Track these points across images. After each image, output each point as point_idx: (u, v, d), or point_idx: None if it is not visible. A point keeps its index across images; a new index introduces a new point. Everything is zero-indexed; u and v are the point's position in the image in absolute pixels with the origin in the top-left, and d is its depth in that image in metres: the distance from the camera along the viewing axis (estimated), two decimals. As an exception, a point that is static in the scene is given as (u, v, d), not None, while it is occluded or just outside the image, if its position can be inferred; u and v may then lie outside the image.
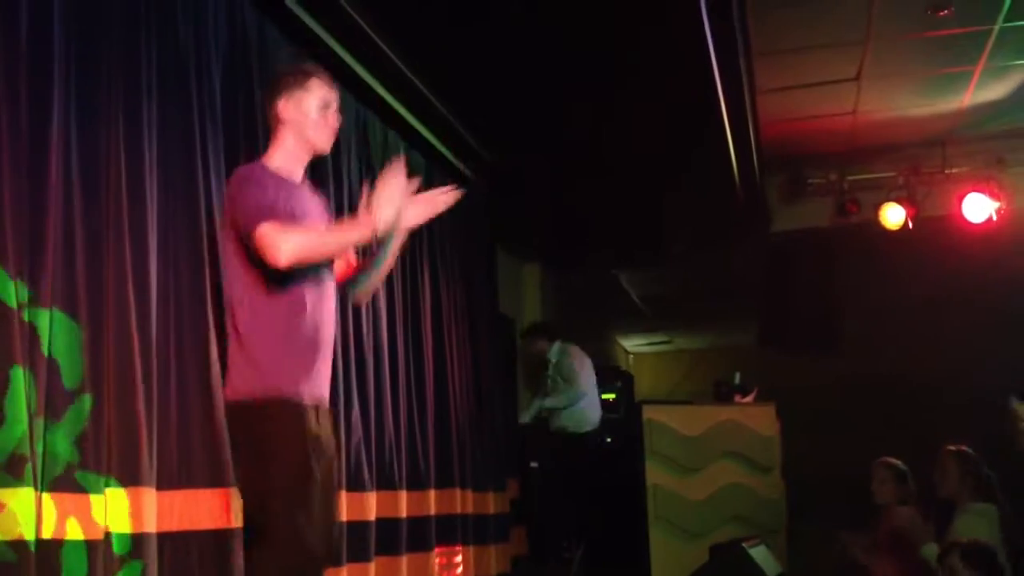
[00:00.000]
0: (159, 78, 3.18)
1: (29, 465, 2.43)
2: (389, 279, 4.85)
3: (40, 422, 2.55)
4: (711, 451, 7.23)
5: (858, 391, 9.83)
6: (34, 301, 2.58)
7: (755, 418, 7.42)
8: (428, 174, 5.35)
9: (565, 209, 6.96)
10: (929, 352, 9.45)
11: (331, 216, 3.20)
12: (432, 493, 5.11)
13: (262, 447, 2.76)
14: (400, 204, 2.78)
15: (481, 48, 4.66)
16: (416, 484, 4.92)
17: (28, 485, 2.42)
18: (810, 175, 7.62)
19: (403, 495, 4.73)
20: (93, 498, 2.67)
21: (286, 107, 2.97)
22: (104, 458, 2.75)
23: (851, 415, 9.77)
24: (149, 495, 2.86)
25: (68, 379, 2.67)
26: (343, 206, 4.38)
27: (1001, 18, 5.54)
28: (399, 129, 5.15)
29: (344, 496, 4.01)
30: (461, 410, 5.68)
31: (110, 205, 2.90)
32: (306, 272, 2.86)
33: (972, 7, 5.43)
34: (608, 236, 7.65)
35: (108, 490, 2.75)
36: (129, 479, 2.80)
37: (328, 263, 2.99)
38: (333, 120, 3.02)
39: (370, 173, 4.74)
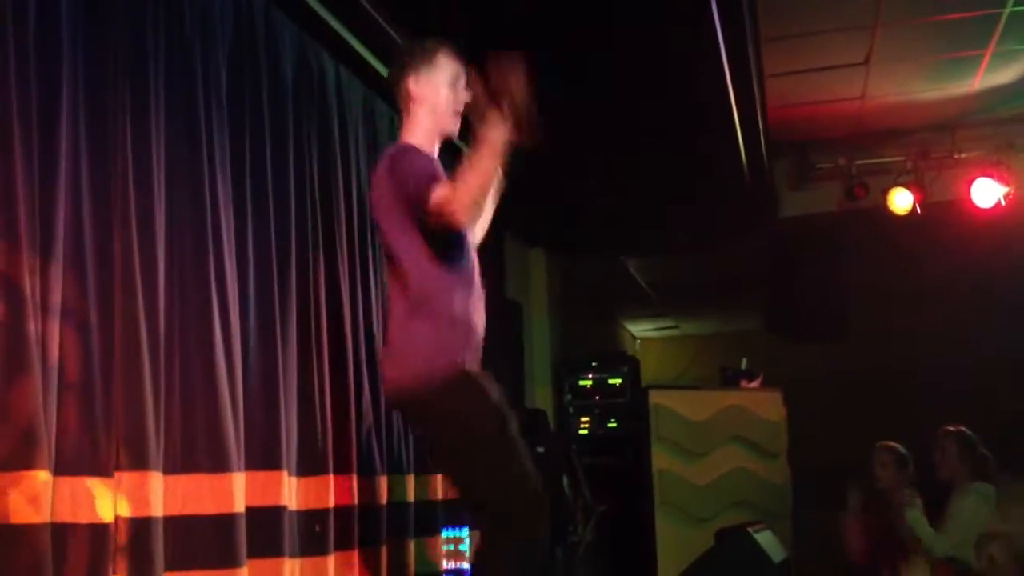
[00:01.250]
0: (166, 65, 3.17)
1: (43, 447, 2.44)
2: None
3: (54, 404, 2.55)
4: (717, 436, 7.24)
5: (865, 377, 9.81)
6: (45, 289, 2.58)
7: (762, 403, 7.42)
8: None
9: (571, 195, 6.94)
10: (936, 337, 9.43)
11: None
12: (439, 477, 5.11)
13: (457, 418, 2.85)
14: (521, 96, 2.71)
15: (485, 31, 4.63)
16: (424, 468, 4.93)
17: (43, 467, 2.44)
18: (818, 160, 7.59)
19: (411, 479, 4.73)
20: (103, 481, 2.68)
21: (416, 85, 2.93)
22: (113, 441, 2.75)
23: (858, 401, 9.75)
24: (156, 479, 2.87)
25: (80, 364, 2.67)
26: (351, 191, 4.37)
27: (1011, 2, 5.50)
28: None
29: (355, 480, 4.01)
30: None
31: (118, 194, 2.90)
32: (464, 251, 2.92)
33: (982, -10, 5.41)
34: (615, 222, 7.63)
35: (117, 473, 2.76)
36: (136, 463, 2.81)
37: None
38: (463, 95, 2.95)
39: (375, 156, 4.73)
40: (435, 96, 2.94)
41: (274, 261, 3.62)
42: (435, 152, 3.03)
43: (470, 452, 2.87)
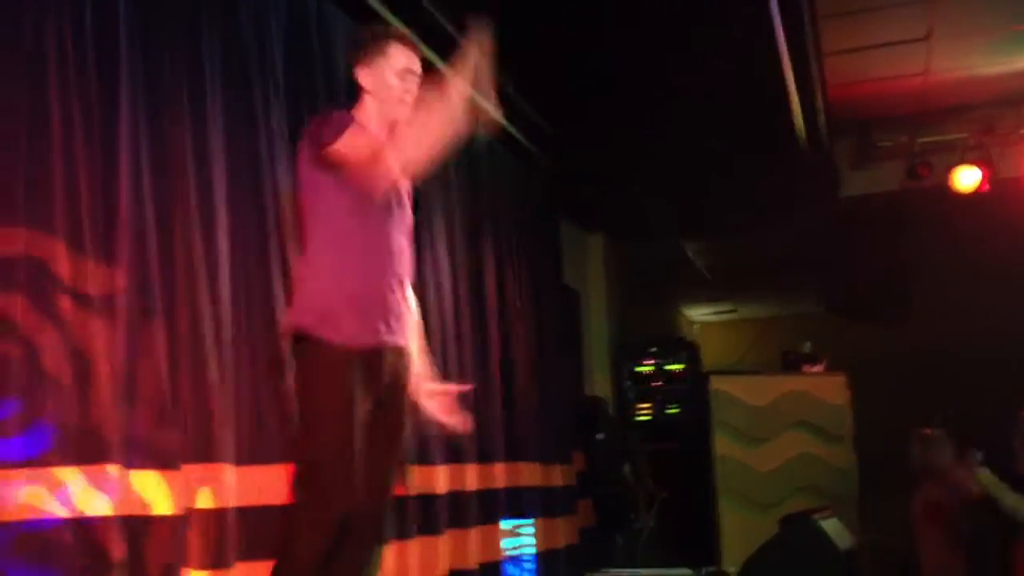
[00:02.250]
0: (222, 61, 3.20)
1: (109, 439, 2.47)
2: (452, 251, 4.83)
3: (120, 397, 2.58)
4: (780, 421, 7.17)
5: (930, 359, 9.62)
6: (109, 282, 2.61)
7: (825, 388, 7.33)
8: (490, 147, 5.32)
9: (630, 180, 6.88)
10: (1002, 319, 9.22)
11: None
12: (500, 466, 5.12)
13: (303, 388, 2.76)
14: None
15: (541, 19, 4.60)
16: (484, 457, 4.93)
17: (113, 460, 2.47)
18: (880, 138, 7.44)
19: (472, 468, 4.74)
20: (171, 473, 2.70)
21: (365, 75, 2.93)
22: (180, 432, 2.78)
23: (923, 383, 9.57)
24: (228, 471, 2.89)
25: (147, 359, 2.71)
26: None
27: (1079, -31, 5.36)
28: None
29: (415, 470, 4.02)
30: (527, 383, 5.67)
31: (177, 187, 2.93)
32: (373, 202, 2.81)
33: (1049, -41, 5.26)
34: (674, 205, 7.57)
35: (186, 466, 2.79)
36: (204, 454, 2.84)
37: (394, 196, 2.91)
38: (413, 87, 2.94)
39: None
40: (382, 86, 2.92)
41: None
42: (382, 137, 2.97)
43: (303, 434, 2.74)
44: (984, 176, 7.09)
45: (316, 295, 2.79)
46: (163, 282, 2.81)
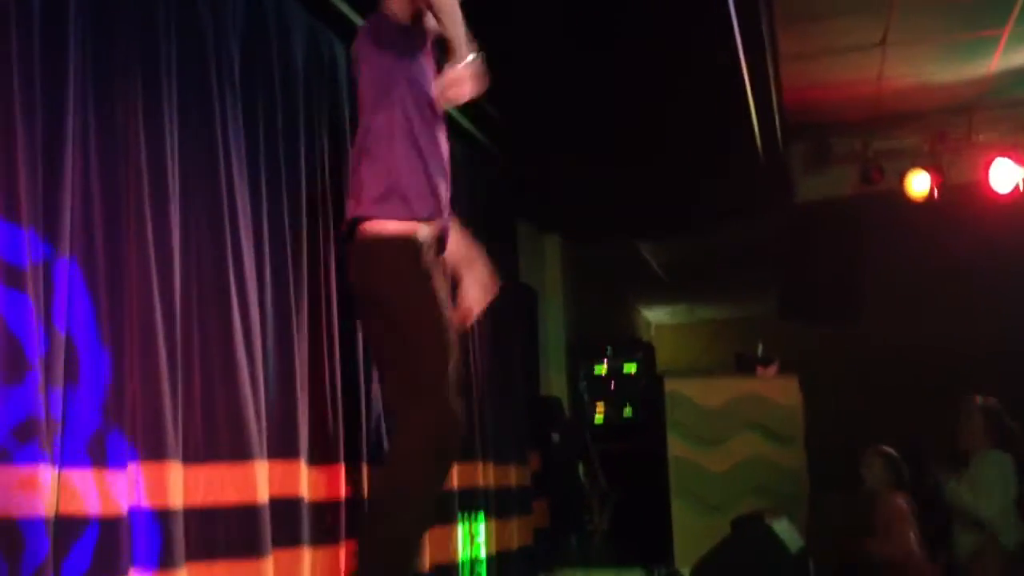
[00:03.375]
0: (178, 53, 3.15)
1: (46, 435, 2.41)
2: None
3: (59, 388, 2.53)
4: (733, 423, 7.22)
5: (881, 362, 9.76)
6: (49, 283, 2.55)
7: (777, 389, 7.39)
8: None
9: (585, 180, 6.90)
10: (953, 322, 9.36)
11: None
12: (454, 466, 5.10)
13: (393, 288, 3.04)
14: None
15: (498, 20, 4.59)
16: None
17: (46, 459, 2.41)
18: (835, 143, 7.53)
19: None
20: (116, 472, 2.65)
21: None
22: (128, 430, 2.73)
23: (874, 385, 9.71)
24: (175, 469, 2.85)
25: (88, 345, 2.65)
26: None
27: (1031, -20, 5.45)
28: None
29: (368, 470, 3.99)
30: (482, 382, 5.66)
31: (130, 184, 2.86)
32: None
33: (1000, -31, 5.34)
34: (629, 207, 7.59)
35: (132, 464, 2.74)
36: (153, 452, 2.79)
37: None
38: None
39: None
40: None
41: (288, 247, 3.60)
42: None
43: (394, 338, 2.97)
44: (935, 182, 7.19)
45: (390, 180, 3.01)
46: (111, 277, 2.75)
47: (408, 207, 3.00)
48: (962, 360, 8.77)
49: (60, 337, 2.54)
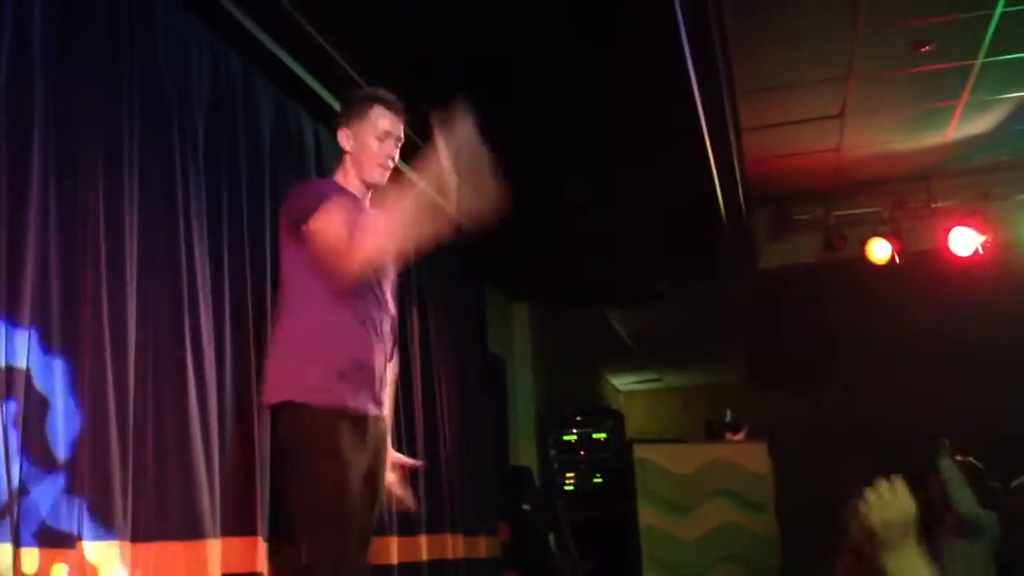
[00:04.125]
0: (141, 124, 3.15)
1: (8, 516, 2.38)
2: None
3: (16, 469, 2.49)
4: (703, 490, 7.20)
5: (848, 427, 9.79)
6: (9, 351, 2.53)
7: (747, 456, 7.40)
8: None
9: (553, 248, 6.94)
10: (918, 386, 9.43)
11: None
12: (423, 539, 5.05)
13: (296, 456, 2.83)
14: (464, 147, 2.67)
15: (468, 91, 4.65)
16: (407, 529, 4.86)
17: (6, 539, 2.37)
18: (796, 211, 7.64)
19: (394, 540, 4.67)
20: (67, 551, 2.61)
21: (346, 137, 3.00)
22: (77, 509, 2.69)
23: (842, 451, 9.72)
24: (124, 548, 2.80)
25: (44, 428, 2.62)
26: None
27: (983, 53, 5.59)
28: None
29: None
30: (451, 452, 5.63)
31: (88, 252, 2.85)
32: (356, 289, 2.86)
33: (954, 42, 5.48)
34: (597, 275, 7.64)
35: (82, 543, 2.69)
36: (104, 532, 2.74)
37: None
38: (392, 151, 3.01)
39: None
40: (361, 149, 2.99)
41: (250, 324, 3.59)
42: (366, 201, 3.05)
43: (302, 502, 2.82)
44: (896, 249, 7.30)
45: (301, 364, 2.83)
46: (68, 346, 2.73)
47: (327, 396, 2.82)
48: (926, 424, 8.82)
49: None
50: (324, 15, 3.94)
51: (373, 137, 2.97)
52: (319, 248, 2.80)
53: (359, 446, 2.84)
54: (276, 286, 3.77)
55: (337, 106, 4.40)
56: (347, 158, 3.02)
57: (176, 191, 3.26)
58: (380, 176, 3.01)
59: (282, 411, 2.84)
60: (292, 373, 2.84)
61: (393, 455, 3.20)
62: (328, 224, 2.79)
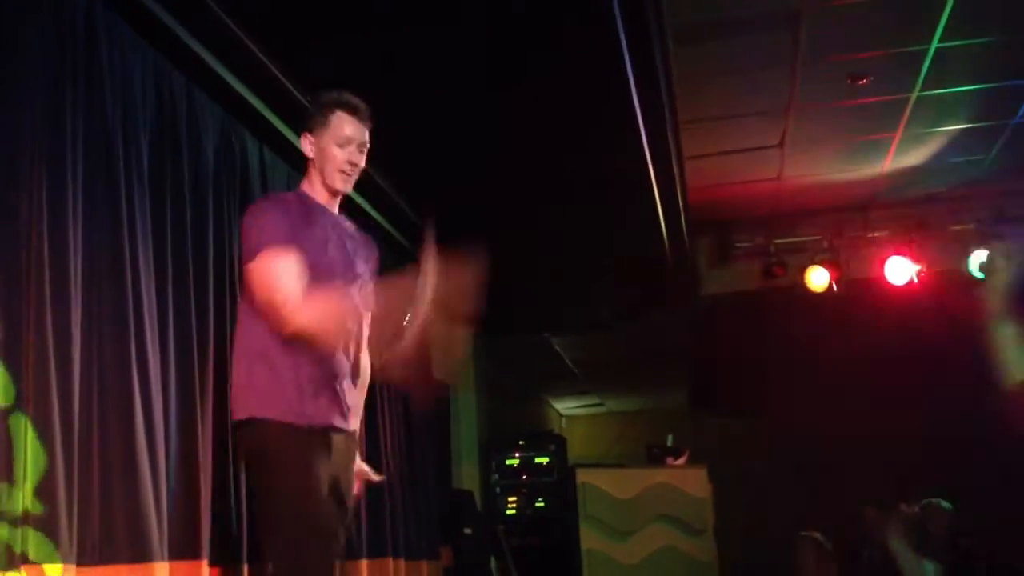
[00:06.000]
0: (84, 144, 3.11)
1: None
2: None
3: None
4: (644, 514, 7.24)
5: (786, 451, 9.91)
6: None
7: (687, 480, 7.45)
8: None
9: (495, 274, 6.95)
10: (853, 412, 9.58)
11: (373, 260, 3.19)
12: (364, 563, 5.02)
13: (265, 474, 2.82)
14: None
15: (414, 121, 4.67)
16: (348, 554, 4.82)
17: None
18: (738, 239, 7.75)
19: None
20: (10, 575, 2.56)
21: (308, 144, 2.99)
22: (20, 532, 2.64)
23: (780, 475, 9.84)
24: (69, 572, 2.75)
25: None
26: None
27: (918, 87, 5.73)
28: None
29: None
30: (394, 477, 5.60)
31: (31, 275, 2.80)
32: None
33: (890, 76, 5.62)
34: (539, 301, 7.67)
35: (24, 567, 2.64)
36: (47, 555, 2.70)
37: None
38: (354, 157, 2.98)
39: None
40: (323, 155, 2.97)
41: (195, 344, 3.55)
42: (334, 207, 3.06)
43: (268, 516, 2.81)
44: (833, 276, 7.43)
45: (264, 379, 2.82)
46: (10, 364, 2.68)
47: (294, 412, 2.83)
48: (862, 449, 8.96)
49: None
50: (269, 35, 3.94)
51: (334, 144, 2.96)
52: (256, 295, 2.81)
53: (323, 460, 2.83)
54: (219, 304, 3.77)
55: (281, 127, 4.43)
56: (311, 165, 3.01)
57: (120, 208, 3.22)
58: (343, 183, 3.00)
59: (246, 427, 2.84)
60: (254, 388, 2.84)
61: (359, 464, 3.23)
62: (265, 279, 2.79)
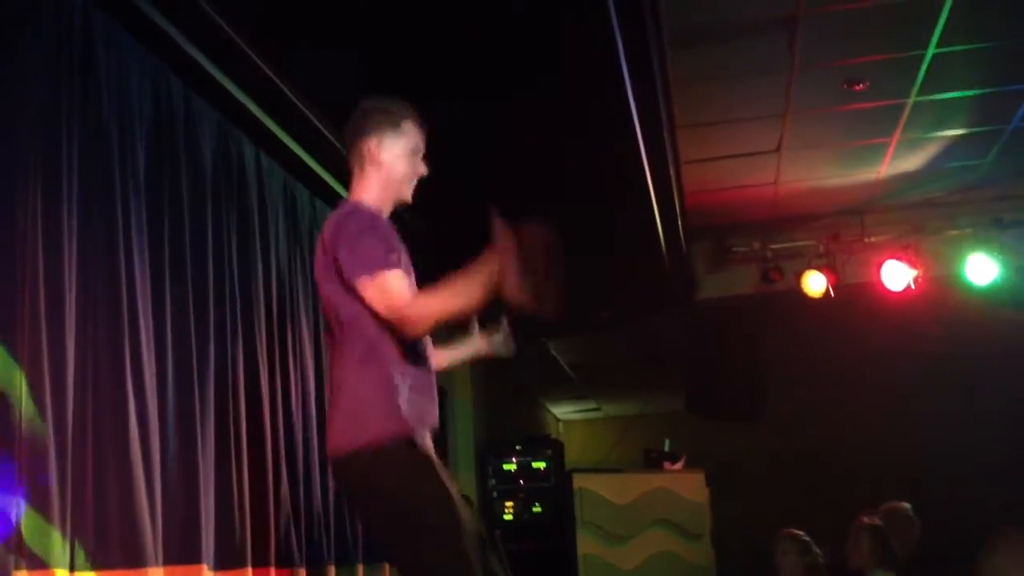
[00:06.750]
0: (80, 149, 3.11)
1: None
2: (316, 343, 4.77)
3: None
4: (642, 519, 7.23)
5: (783, 456, 9.92)
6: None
7: (685, 485, 7.45)
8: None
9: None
10: (849, 417, 9.60)
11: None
12: (361, 568, 5.00)
13: (397, 495, 2.66)
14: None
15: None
16: (344, 560, 4.82)
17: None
18: (734, 244, 7.75)
19: (331, 570, 4.62)
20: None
21: (378, 149, 2.83)
22: (13, 536, 2.63)
23: (777, 479, 9.85)
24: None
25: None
26: (270, 276, 4.33)
27: (914, 92, 5.73)
28: (325, 198, 5.12)
29: (273, 573, 3.90)
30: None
31: (26, 279, 2.80)
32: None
33: (886, 82, 5.62)
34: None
35: (18, 573, 2.63)
36: (41, 561, 2.69)
37: None
38: (422, 168, 2.90)
39: (297, 245, 4.70)
40: (394, 163, 2.85)
41: (193, 347, 3.55)
42: (386, 215, 2.93)
43: (409, 540, 2.64)
44: (831, 281, 7.43)
45: (382, 400, 2.69)
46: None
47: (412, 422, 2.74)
48: (859, 454, 8.98)
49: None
50: (265, 41, 3.94)
51: (406, 152, 2.86)
52: (378, 309, 2.69)
53: (440, 462, 2.76)
54: (217, 306, 3.76)
55: (278, 132, 4.43)
56: (373, 172, 2.85)
57: (116, 212, 3.21)
58: (409, 191, 2.91)
59: (357, 458, 2.67)
60: (367, 412, 2.68)
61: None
62: (385, 295, 2.67)
